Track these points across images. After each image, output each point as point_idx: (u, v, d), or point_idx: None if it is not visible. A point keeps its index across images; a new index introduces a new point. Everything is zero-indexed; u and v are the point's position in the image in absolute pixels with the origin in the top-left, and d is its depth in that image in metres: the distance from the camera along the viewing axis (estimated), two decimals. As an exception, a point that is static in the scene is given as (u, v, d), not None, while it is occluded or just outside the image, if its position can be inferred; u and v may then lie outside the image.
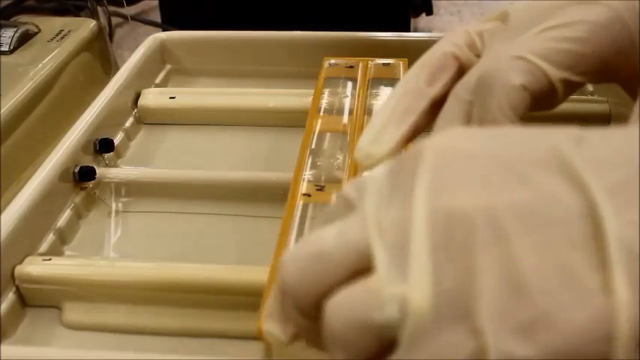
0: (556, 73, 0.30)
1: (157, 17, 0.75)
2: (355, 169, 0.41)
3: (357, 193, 0.22)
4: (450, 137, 0.22)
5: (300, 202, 0.39)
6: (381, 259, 0.19)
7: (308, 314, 0.22)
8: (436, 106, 0.33)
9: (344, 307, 0.20)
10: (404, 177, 0.21)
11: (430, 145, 0.21)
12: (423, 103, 0.33)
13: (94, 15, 0.67)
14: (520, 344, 0.17)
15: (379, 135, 0.33)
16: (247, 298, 0.36)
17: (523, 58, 0.30)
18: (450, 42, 0.34)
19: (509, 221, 0.18)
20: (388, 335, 0.19)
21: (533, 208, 0.18)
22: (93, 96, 0.55)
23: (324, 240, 0.21)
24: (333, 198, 0.24)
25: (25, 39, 0.55)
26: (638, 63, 0.31)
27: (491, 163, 0.20)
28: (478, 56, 0.34)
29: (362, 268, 0.20)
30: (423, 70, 0.34)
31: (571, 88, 0.31)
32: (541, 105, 0.31)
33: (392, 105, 0.34)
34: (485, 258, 0.18)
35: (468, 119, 0.32)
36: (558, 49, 0.30)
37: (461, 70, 0.34)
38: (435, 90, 0.33)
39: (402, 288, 0.19)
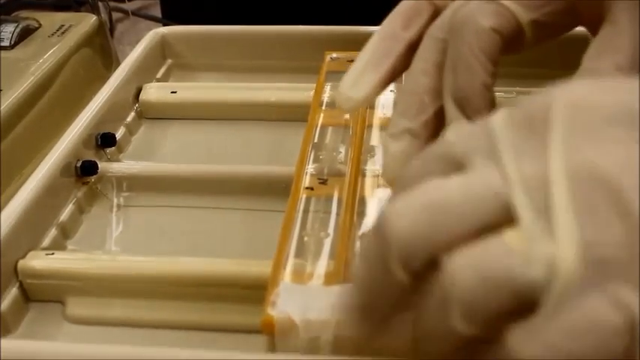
0: (525, 15, 0.31)
1: (157, 12, 0.75)
2: (358, 164, 0.41)
3: (480, 144, 0.21)
4: (578, 88, 0.21)
5: (303, 196, 0.39)
6: (526, 216, 0.19)
7: (415, 272, 0.20)
8: (412, 49, 0.34)
9: (480, 263, 0.19)
10: (536, 129, 0.20)
11: (559, 96, 0.21)
12: (399, 47, 0.34)
13: (94, 10, 0.67)
14: None
15: (358, 79, 0.34)
16: (250, 292, 0.36)
17: (492, 1, 0.31)
18: None
19: None
20: (527, 297, 0.18)
21: None
22: (94, 91, 0.55)
23: (448, 190, 0.20)
24: (431, 151, 0.23)
25: (25, 34, 0.55)
26: (602, 4, 0.31)
27: (622, 117, 0.19)
28: None
29: (490, 225, 0.19)
30: (398, 16, 0.35)
31: (540, 31, 0.31)
32: (511, 48, 0.32)
33: (370, 50, 0.35)
34: (628, 222, 0.17)
35: (442, 59, 0.32)
36: None
37: (435, 14, 0.34)
38: (411, 34, 0.34)
39: (550, 248, 0.18)
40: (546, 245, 0.18)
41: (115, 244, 0.42)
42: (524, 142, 0.20)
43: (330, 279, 0.34)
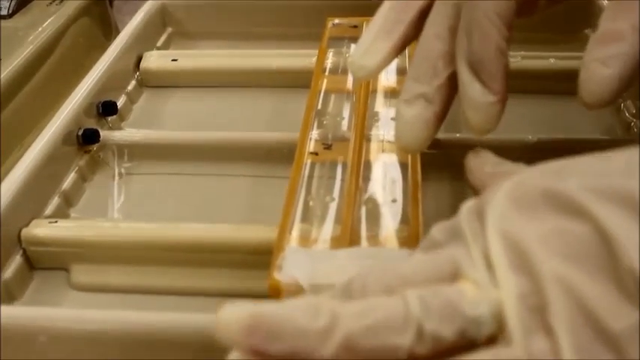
0: None
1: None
2: (362, 129, 0.41)
3: (450, 234, 0.24)
4: (517, 179, 0.23)
5: (307, 161, 0.39)
6: (476, 273, 0.22)
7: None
8: (424, 15, 0.34)
9: (435, 300, 0.21)
10: (482, 216, 0.23)
11: (499, 191, 0.23)
12: (410, 14, 0.34)
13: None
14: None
15: (370, 47, 0.34)
16: (255, 257, 0.36)
17: None
18: None
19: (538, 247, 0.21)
20: (472, 332, 0.21)
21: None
22: (94, 60, 0.54)
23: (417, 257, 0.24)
24: (426, 240, 0.26)
25: (23, 3, 0.54)
26: None
27: (544, 200, 0.22)
28: None
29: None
30: None
31: None
32: (524, 11, 0.32)
33: (381, 18, 0.35)
34: (547, 285, 0.20)
35: (455, 23, 0.32)
36: None
37: None
38: (421, 1, 0.34)
39: (495, 293, 0.21)
40: (494, 291, 0.21)
41: (118, 212, 0.42)
42: (477, 224, 0.23)
43: (336, 243, 0.33)
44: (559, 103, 0.49)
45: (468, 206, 0.24)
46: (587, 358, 0.19)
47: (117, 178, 0.44)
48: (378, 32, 0.34)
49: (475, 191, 0.31)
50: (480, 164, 0.31)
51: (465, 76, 0.32)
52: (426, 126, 0.33)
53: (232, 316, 0.20)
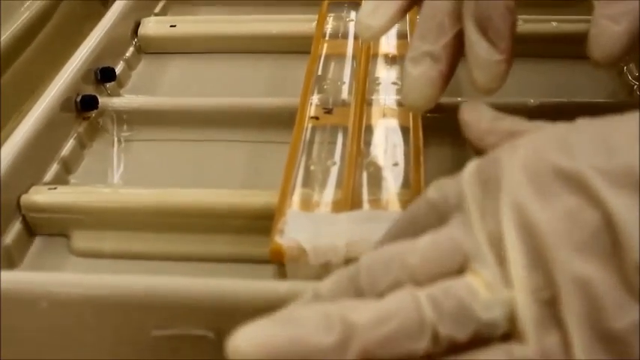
0: None
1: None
2: (363, 94, 0.41)
3: (454, 200, 0.24)
4: (524, 149, 0.23)
5: (308, 125, 0.38)
6: (487, 266, 0.22)
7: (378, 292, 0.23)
8: None
9: (448, 299, 0.21)
10: (491, 187, 0.23)
11: (508, 156, 0.23)
12: None
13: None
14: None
15: (377, 7, 0.34)
16: (256, 222, 0.36)
17: None
18: None
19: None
20: (483, 333, 0.21)
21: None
22: (91, 27, 0.53)
23: (421, 241, 0.23)
24: (420, 201, 0.26)
25: (19, -31, 0.54)
26: None
27: (566, 180, 0.22)
28: None
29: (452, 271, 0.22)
30: None
31: None
32: None
33: None
34: (562, 278, 0.20)
35: None
36: None
37: None
38: None
39: (509, 293, 0.21)
40: (505, 291, 0.21)
41: (117, 179, 0.42)
42: (485, 197, 0.23)
43: (337, 206, 0.33)
44: (561, 67, 0.49)
45: (470, 171, 0.24)
46: (595, 356, 0.19)
47: (116, 144, 0.44)
48: None
49: (472, 146, 0.31)
50: (476, 119, 0.31)
51: (472, 34, 0.32)
52: (432, 84, 0.33)
53: (247, 348, 0.20)
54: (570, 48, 0.49)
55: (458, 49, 0.33)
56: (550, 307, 0.20)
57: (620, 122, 0.22)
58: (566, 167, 0.22)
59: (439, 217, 0.24)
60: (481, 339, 0.21)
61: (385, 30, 0.35)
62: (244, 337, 0.20)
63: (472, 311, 0.21)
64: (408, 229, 0.25)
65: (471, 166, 0.24)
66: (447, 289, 0.21)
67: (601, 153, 0.21)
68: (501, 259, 0.21)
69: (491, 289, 0.21)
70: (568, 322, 0.20)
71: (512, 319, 0.21)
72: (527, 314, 0.20)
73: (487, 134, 0.30)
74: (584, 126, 0.23)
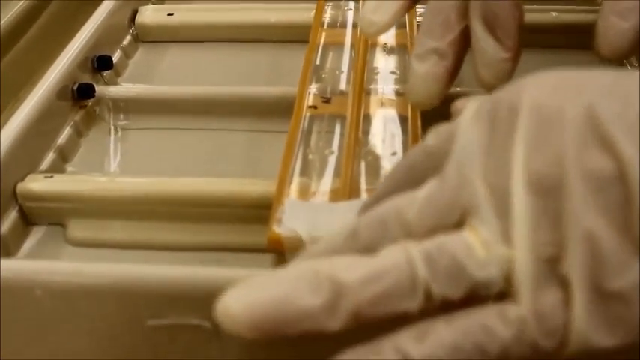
0: None
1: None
2: (361, 83, 0.40)
3: (449, 145, 0.22)
4: (542, 89, 0.21)
5: (306, 114, 0.38)
6: (487, 220, 0.21)
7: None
8: None
9: (443, 257, 0.20)
10: (501, 137, 0.21)
11: (525, 102, 0.21)
12: None
13: None
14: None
15: (380, 4, 0.34)
16: (254, 211, 0.35)
17: None
18: None
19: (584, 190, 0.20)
20: (478, 289, 0.20)
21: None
22: (88, 15, 0.53)
23: (417, 194, 0.22)
24: (417, 149, 0.25)
25: (15, -44, 0.53)
26: None
27: (583, 127, 0.20)
28: None
29: (450, 224, 0.21)
30: None
31: None
32: None
33: None
34: (573, 233, 0.19)
35: None
36: None
37: None
38: None
39: (506, 251, 0.20)
40: (503, 248, 0.20)
41: (114, 167, 0.42)
42: (490, 141, 0.21)
43: (335, 196, 0.33)
44: (561, 57, 0.48)
45: (470, 113, 0.23)
46: (595, 315, 0.19)
47: (113, 133, 0.44)
48: None
49: None
50: None
51: (479, 31, 0.32)
52: (438, 81, 0.33)
53: (235, 311, 0.19)
54: (570, 38, 0.49)
55: (464, 45, 0.33)
56: (550, 265, 0.20)
57: (630, 74, 0.22)
58: (580, 112, 0.20)
59: (437, 165, 0.23)
60: (476, 297, 0.20)
61: (389, 26, 0.34)
62: (234, 297, 0.20)
63: (466, 269, 0.20)
64: (405, 180, 0.25)
65: (471, 108, 0.23)
66: (442, 246, 0.20)
67: (616, 100, 0.20)
68: (502, 214, 0.20)
69: (487, 247, 0.20)
70: (572, 279, 0.19)
71: (508, 278, 0.20)
72: (525, 272, 0.20)
73: None
74: (593, 73, 0.22)
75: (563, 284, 0.19)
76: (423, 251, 0.20)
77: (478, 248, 0.20)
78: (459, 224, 0.21)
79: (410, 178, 0.24)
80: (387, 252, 0.21)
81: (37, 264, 0.32)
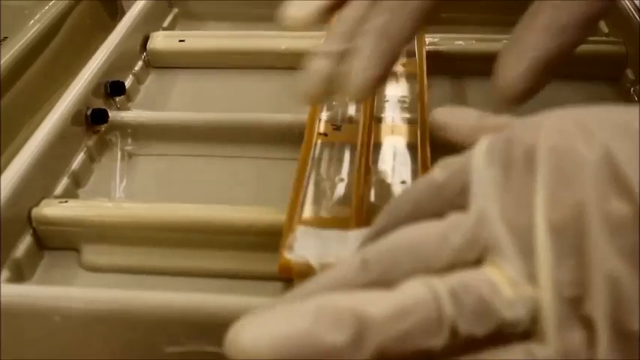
0: None
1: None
2: (371, 111, 0.41)
3: (464, 183, 0.23)
4: (561, 133, 0.22)
5: (317, 142, 0.39)
6: (511, 259, 0.21)
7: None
8: None
9: (469, 294, 0.20)
10: (519, 178, 0.21)
11: (542, 144, 0.21)
12: None
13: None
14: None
15: (305, 1, 0.35)
16: (264, 238, 0.36)
17: None
18: None
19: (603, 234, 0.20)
20: (504, 328, 0.20)
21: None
22: (99, 41, 0.54)
23: (436, 226, 0.22)
24: (423, 183, 0.25)
25: (28, -19, 0.54)
26: None
27: (601, 170, 0.20)
28: None
29: (466, 261, 0.21)
30: None
31: None
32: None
33: None
34: (596, 274, 0.19)
35: None
36: None
37: None
38: None
39: (531, 291, 0.20)
40: (528, 288, 0.20)
41: (126, 193, 0.42)
42: (508, 181, 0.22)
43: (345, 224, 0.33)
44: (568, 87, 0.49)
45: (483, 150, 0.23)
46: (617, 356, 0.19)
47: (125, 158, 0.44)
48: None
49: (457, 147, 0.30)
50: (463, 118, 0.31)
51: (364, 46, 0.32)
52: (323, 82, 0.34)
53: (255, 344, 0.19)
54: (572, 68, 0.49)
55: None
56: (574, 305, 0.20)
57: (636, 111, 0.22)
58: (597, 156, 0.20)
59: (446, 200, 0.23)
60: (500, 335, 0.20)
61: (309, 22, 0.35)
62: (254, 330, 0.19)
63: (494, 308, 0.20)
64: (411, 212, 0.25)
65: (483, 146, 0.23)
66: (466, 283, 0.20)
67: (630, 141, 0.20)
68: (525, 253, 0.20)
69: (514, 285, 0.20)
70: (596, 320, 0.19)
71: (534, 317, 0.20)
72: (552, 313, 0.20)
73: (478, 131, 0.30)
74: (605, 111, 0.22)
75: (588, 324, 0.19)
76: (448, 288, 0.20)
77: (505, 287, 0.20)
78: (476, 261, 0.21)
79: (416, 210, 0.24)
80: (410, 287, 0.20)
81: (56, 290, 0.32)
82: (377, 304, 0.20)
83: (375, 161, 0.38)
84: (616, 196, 0.20)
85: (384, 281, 0.21)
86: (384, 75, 0.33)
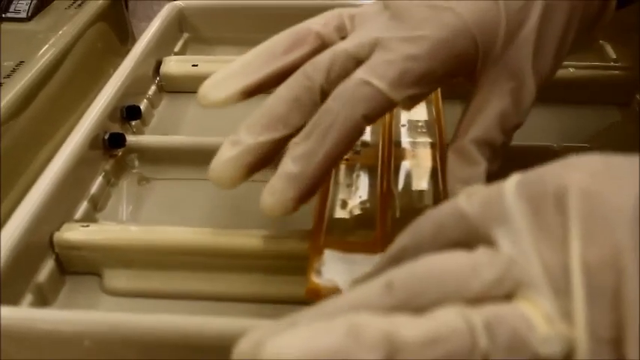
0: (399, 94, 0.32)
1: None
2: (390, 133, 0.41)
3: (493, 214, 0.23)
4: (590, 173, 0.22)
5: (341, 166, 0.39)
6: (546, 297, 0.21)
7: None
8: (286, 73, 0.35)
9: (503, 328, 0.20)
10: (550, 217, 0.22)
11: (573, 181, 0.22)
12: (272, 67, 0.35)
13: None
14: None
15: (222, 82, 0.36)
16: (284, 262, 0.36)
17: (369, 84, 0.32)
18: (321, 21, 0.36)
19: None
20: None
21: None
22: (111, 64, 0.54)
23: (466, 257, 0.22)
24: (448, 209, 0.25)
25: (42, 6, 0.54)
26: (480, 66, 0.33)
27: (635, 216, 0.21)
28: (344, 38, 0.35)
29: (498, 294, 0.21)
30: (284, 39, 0.36)
31: (415, 100, 0.33)
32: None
33: (244, 60, 0.36)
34: (632, 318, 0.20)
35: (305, 99, 0.33)
36: (401, 70, 0.32)
37: (320, 48, 0.35)
38: (288, 59, 0.35)
39: (566, 329, 0.20)
40: (563, 326, 0.20)
41: (144, 217, 0.42)
42: (539, 219, 0.22)
43: (370, 247, 0.34)
44: (578, 112, 0.50)
45: (514, 184, 0.23)
46: None
47: (142, 182, 0.44)
48: (234, 72, 0.36)
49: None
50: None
51: (285, 163, 0.33)
52: (237, 170, 0.34)
53: (290, 356, 0.19)
54: (588, 93, 0.50)
55: (274, 152, 0.34)
56: (611, 347, 0.20)
57: None
58: (630, 201, 0.21)
59: (471, 229, 0.23)
60: None
61: (222, 104, 0.36)
62: (276, 350, 0.19)
63: (529, 343, 0.20)
64: (432, 237, 0.25)
65: (514, 180, 0.23)
66: (501, 316, 0.20)
67: None
68: (560, 291, 0.21)
69: (549, 322, 0.20)
70: None
71: (568, 356, 0.20)
72: (587, 352, 0.20)
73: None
74: (632, 161, 0.22)
75: None
76: (483, 319, 0.20)
77: (539, 322, 0.20)
78: (507, 296, 0.21)
79: (438, 234, 0.24)
80: (444, 315, 0.21)
81: (86, 315, 0.32)
82: (410, 328, 0.20)
83: (397, 184, 0.38)
84: None
85: (409, 306, 0.21)
86: (304, 197, 0.33)
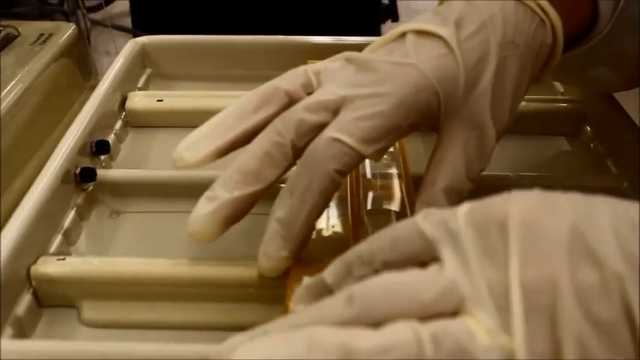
0: (368, 149, 0.34)
1: (122, 23, 0.75)
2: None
3: (445, 236, 0.25)
4: (530, 205, 0.24)
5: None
6: (488, 313, 0.23)
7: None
8: (257, 131, 0.36)
9: (448, 339, 0.22)
10: (494, 241, 0.24)
11: (515, 211, 0.24)
12: (243, 126, 0.37)
13: (71, 19, 0.67)
14: None
15: (196, 144, 0.37)
16: (260, 291, 0.37)
17: (339, 141, 0.34)
18: (287, 79, 0.38)
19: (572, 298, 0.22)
20: None
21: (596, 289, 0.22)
22: (74, 100, 0.55)
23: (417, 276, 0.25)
24: (406, 225, 0.27)
25: (5, 42, 0.55)
26: (442, 117, 0.35)
27: (571, 242, 0.23)
28: (310, 94, 0.37)
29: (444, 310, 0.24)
30: (253, 98, 0.37)
31: (383, 152, 0.35)
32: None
33: (216, 121, 0.37)
34: (566, 335, 0.22)
35: (276, 152, 0.35)
36: (370, 127, 0.34)
37: (288, 104, 0.37)
38: (258, 117, 0.37)
39: (506, 341, 0.22)
40: (503, 338, 0.22)
41: (118, 250, 0.43)
42: (484, 243, 0.24)
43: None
44: (532, 143, 0.52)
45: (465, 211, 0.25)
46: None
47: (112, 215, 0.45)
48: (207, 133, 0.37)
49: None
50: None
51: (272, 226, 0.35)
52: (215, 225, 0.35)
53: None
54: (539, 125, 0.52)
55: (249, 206, 0.36)
56: (546, 358, 0.22)
57: (595, 200, 0.24)
58: (566, 230, 0.23)
59: (424, 245, 0.25)
60: None
61: (197, 165, 0.37)
62: (243, 355, 0.22)
63: (471, 352, 0.22)
64: (387, 246, 0.27)
65: (465, 208, 0.26)
66: (446, 329, 0.23)
67: (592, 216, 0.23)
68: (500, 307, 0.23)
69: (491, 335, 0.23)
70: None
71: None
72: None
73: None
74: (565, 197, 0.25)
75: None
76: (430, 332, 0.23)
77: (482, 335, 0.23)
78: (454, 312, 0.24)
79: (394, 248, 0.26)
80: (396, 328, 0.23)
81: (57, 345, 0.32)
82: (364, 338, 0.22)
83: (366, 213, 0.39)
84: (586, 266, 0.22)
85: (366, 320, 0.23)
86: (298, 252, 0.35)
